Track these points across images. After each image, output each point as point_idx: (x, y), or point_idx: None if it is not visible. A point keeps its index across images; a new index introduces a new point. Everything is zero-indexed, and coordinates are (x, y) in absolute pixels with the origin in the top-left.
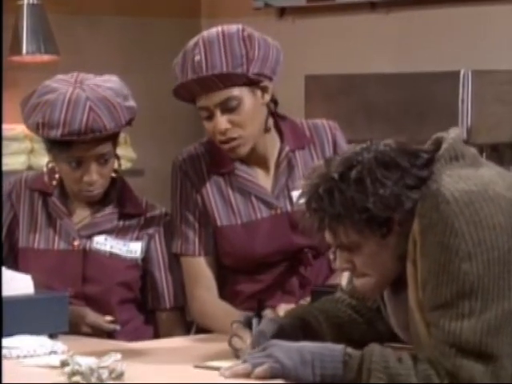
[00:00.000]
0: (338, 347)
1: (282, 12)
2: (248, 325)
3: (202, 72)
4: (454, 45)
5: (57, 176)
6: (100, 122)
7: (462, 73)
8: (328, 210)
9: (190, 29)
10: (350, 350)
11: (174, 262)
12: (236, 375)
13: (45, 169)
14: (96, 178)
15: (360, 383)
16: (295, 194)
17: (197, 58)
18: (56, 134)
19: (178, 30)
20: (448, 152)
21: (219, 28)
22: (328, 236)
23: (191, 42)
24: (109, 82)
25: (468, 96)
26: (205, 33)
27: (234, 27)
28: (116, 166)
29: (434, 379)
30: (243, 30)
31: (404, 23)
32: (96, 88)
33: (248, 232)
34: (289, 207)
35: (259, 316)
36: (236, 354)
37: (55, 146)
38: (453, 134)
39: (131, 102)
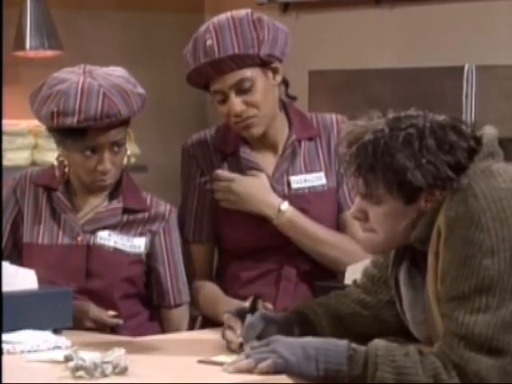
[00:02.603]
0: (342, 342)
1: (286, 7)
2: (240, 316)
3: (214, 55)
4: (457, 40)
5: (66, 170)
6: (115, 108)
7: (466, 68)
8: (367, 159)
9: (194, 24)
10: (354, 345)
11: (179, 258)
12: (239, 370)
13: (55, 162)
14: (110, 166)
15: (366, 378)
16: (294, 178)
17: (209, 42)
18: (72, 121)
19: (181, 25)
20: (487, 147)
21: (228, 13)
22: (358, 182)
23: (201, 29)
24: (117, 72)
25: (472, 91)
26: (214, 19)
27: (242, 11)
28: (125, 160)
29: (442, 372)
30: (252, 14)
31: (408, 18)
32: (107, 76)
33: (246, 214)
34: (286, 190)
35: (253, 311)
36: (228, 346)
37: (69, 135)
38: (491, 131)
39: (140, 89)
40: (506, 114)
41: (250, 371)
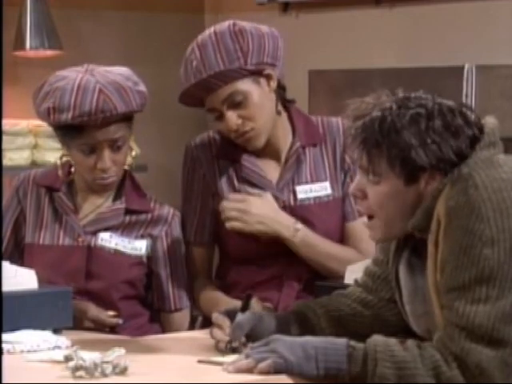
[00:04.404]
0: (342, 341)
1: (286, 7)
2: (229, 316)
3: (201, 75)
4: (457, 40)
5: (72, 169)
6: (110, 103)
7: (466, 68)
8: (373, 134)
9: (194, 24)
10: (353, 342)
11: (181, 262)
12: (239, 370)
13: (58, 161)
14: (110, 164)
15: (366, 374)
16: (299, 188)
17: (194, 63)
18: (67, 117)
19: (181, 25)
20: (489, 137)
21: (211, 29)
22: (362, 157)
23: (188, 50)
24: (119, 70)
25: (472, 91)
26: (199, 37)
27: (225, 24)
28: (130, 160)
29: (442, 365)
30: (234, 25)
31: (408, 18)
32: (106, 73)
33: None
34: (292, 201)
35: (244, 310)
36: (216, 345)
37: (67, 132)
38: (492, 121)
39: (142, 87)
40: (506, 114)
41: (250, 371)
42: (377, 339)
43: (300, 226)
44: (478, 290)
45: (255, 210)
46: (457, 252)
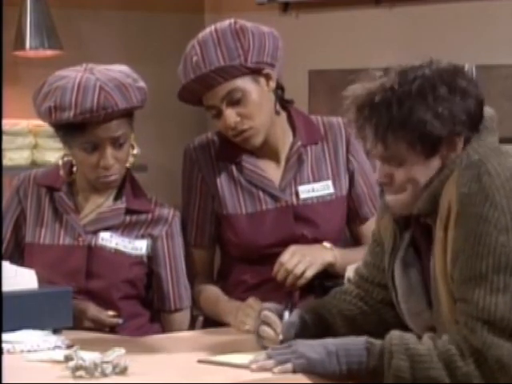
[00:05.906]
0: (360, 337)
1: (286, 7)
2: (278, 315)
3: (200, 70)
4: (457, 40)
5: (74, 169)
6: (111, 100)
7: (465, 68)
8: (384, 119)
9: (194, 24)
10: (370, 339)
11: (181, 262)
12: (263, 370)
13: (60, 161)
14: (112, 162)
15: (383, 367)
16: (302, 188)
17: (194, 58)
18: (69, 115)
19: (181, 25)
20: (492, 121)
21: (212, 26)
22: (376, 146)
23: (188, 47)
24: (118, 68)
25: None
26: (199, 35)
27: (226, 22)
28: (131, 159)
29: (457, 360)
30: (235, 23)
31: (408, 18)
32: (105, 71)
33: (252, 222)
34: (294, 200)
35: (290, 309)
36: (262, 342)
37: (68, 131)
38: (490, 110)
39: (141, 84)
40: (506, 114)
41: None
42: (394, 333)
43: (329, 244)
44: (495, 279)
45: (303, 250)
46: (471, 241)
